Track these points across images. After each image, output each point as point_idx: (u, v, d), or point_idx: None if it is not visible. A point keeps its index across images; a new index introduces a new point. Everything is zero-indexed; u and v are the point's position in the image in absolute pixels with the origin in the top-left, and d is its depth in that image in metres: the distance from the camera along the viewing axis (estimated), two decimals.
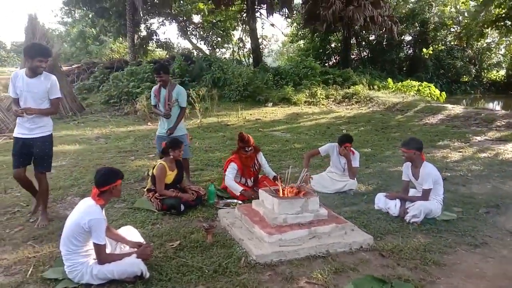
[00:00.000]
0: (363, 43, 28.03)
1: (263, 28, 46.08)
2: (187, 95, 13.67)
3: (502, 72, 31.05)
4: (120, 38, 25.86)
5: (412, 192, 4.74)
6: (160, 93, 5.58)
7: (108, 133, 10.74)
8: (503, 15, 18.89)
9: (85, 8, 22.32)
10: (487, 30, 22.93)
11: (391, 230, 4.12)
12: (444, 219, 4.36)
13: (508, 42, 29.85)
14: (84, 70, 19.92)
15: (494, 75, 30.75)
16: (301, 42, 29.96)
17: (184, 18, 25.85)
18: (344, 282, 3.12)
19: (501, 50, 31.15)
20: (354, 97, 17.09)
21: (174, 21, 25.82)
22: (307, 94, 17.12)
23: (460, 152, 8.04)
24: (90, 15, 23.83)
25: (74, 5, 22.10)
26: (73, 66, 20.72)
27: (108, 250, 3.24)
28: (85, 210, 3.08)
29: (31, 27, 13.46)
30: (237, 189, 5.13)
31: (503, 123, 11.07)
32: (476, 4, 25.59)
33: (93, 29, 25.77)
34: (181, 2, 23.56)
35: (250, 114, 13.92)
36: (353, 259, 3.51)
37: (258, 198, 4.38)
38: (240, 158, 5.33)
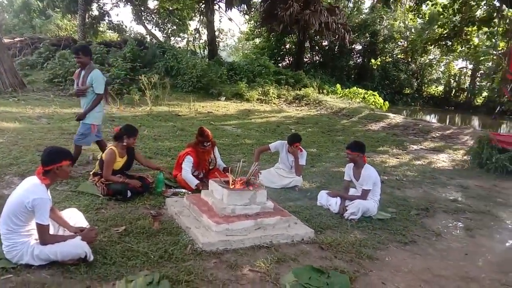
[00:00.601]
0: (317, 47, 28.79)
1: (220, 21, 45.82)
2: (138, 81, 13.37)
3: (441, 88, 33.35)
4: (69, 15, 24.54)
5: (352, 192, 5.05)
6: (79, 76, 5.36)
7: (51, 113, 10.24)
8: (445, 35, 20.31)
9: None
10: (430, 47, 24.48)
11: (331, 225, 4.37)
12: (379, 218, 4.69)
13: (447, 60, 32.10)
14: (28, 45, 18.70)
15: (433, 90, 32.91)
16: (257, 40, 30.18)
17: (140, 2, 25.05)
18: (285, 271, 3.29)
19: (441, 67, 33.43)
20: (304, 99, 17.58)
21: (129, 3, 24.94)
22: (260, 92, 17.35)
23: (398, 158, 8.61)
24: None
25: None
26: (15, 39, 19.36)
27: (51, 232, 3.16)
28: (30, 189, 2.98)
29: None
30: (193, 182, 5.13)
31: (438, 134, 11.98)
32: (422, 22, 27.30)
33: (39, 1, 24.18)
34: None
35: (202, 107, 13.87)
36: (294, 250, 3.70)
37: (208, 189, 4.46)
38: (197, 152, 5.32)
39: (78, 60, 5.25)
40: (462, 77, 32.48)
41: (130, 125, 5.01)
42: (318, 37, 26.12)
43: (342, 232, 4.20)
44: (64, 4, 21.18)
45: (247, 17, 28.85)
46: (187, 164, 5.23)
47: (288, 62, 27.89)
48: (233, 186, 4.19)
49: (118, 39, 23.93)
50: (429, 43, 22.21)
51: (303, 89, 18.80)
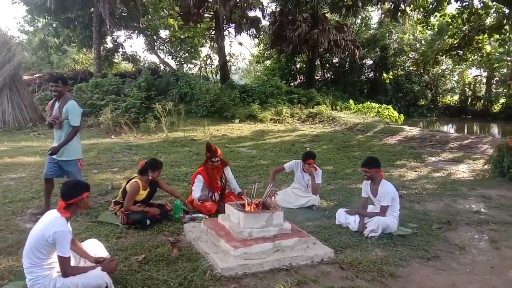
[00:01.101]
0: (327, 65, 28.96)
1: (231, 46, 46.57)
2: (153, 109, 13.61)
3: (456, 97, 32.95)
4: (84, 49, 25.36)
5: (370, 208, 4.98)
6: (53, 107, 5.06)
7: None
8: (456, 44, 20.22)
9: (49, 18, 21.79)
10: (442, 57, 24.36)
11: (351, 244, 4.31)
12: (400, 234, 4.60)
13: (461, 69, 31.83)
14: (46, 80, 19.33)
15: (448, 100, 32.56)
16: (268, 62, 30.57)
17: (152, 32, 25.74)
18: None
19: (454, 77, 33.14)
20: (317, 117, 17.61)
21: (141, 34, 25.65)
22: (273, 112, 17.47)
23: (416, 171, 8.49)
24: (54, 25, 23.24)
25: (38, 14, 21.53)
26: (34, 75, 20.06)
27: (72, 263, 3.21)
28: (50, 222, 3.06)
29: None
30: (195, 196, 5.18)
31: (456, 145, 11.78)
32: (432, 33, 27.26)
33: (55, 38, 25.10)
34: (149, 16, 23.50)
35: (217, 130, 14.03)
36: (314, 271, 3.66)
37: (224, 212, 4.47)
38: (207, 169, 5.39)
39: (56, 89, 4.95)
40: (477, 85, 32.07)
41: (155, 159, 5.09)
42: (328, 54, 26.31)
43: (363, 251, 4.13)
44: (80, 39, 21.90)
45: (256, 40, 29.32)
46: (197, 185, 5.29)
47: (299, 81, 28.07)
48: (249, 208, 4.20)
49: (133, 69, 24.58)
50: (440, 53, 22.12)
51: (316, 106, 18.87)
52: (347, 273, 3.64)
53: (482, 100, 30.81)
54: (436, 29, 24.79)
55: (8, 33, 24.11)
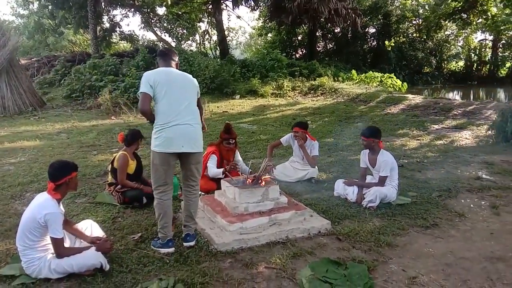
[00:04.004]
0: (329, 35, 28.41)
1: (229, 20, 45.81)
2: None
3: (461, 63, 32.32)
4: (81, 30, 25.03)
5: (369, 179, 4.92)
6: None
7: (70, 128, 10.48)
8: (459, 8, 19.62)
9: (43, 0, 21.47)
10: (445, 22, 23.71)
11: (349, 215, 4.28)
12: (399, 204, 4.57)
13: (466, 34, 31.06)
14: (45, 63, 19.22)
15: (453, 66, 31.96)
16: (269, 35, 30.02)
17: (148, 9, 25.27)
18: (302, 265, 3.23)
19: (459, 42, 32.41)
20: (319, 89, 17.37)
21: (137, 12, 25.19)
22: (274, 86, 17.26)
23: (418, 140, 8.38)
24: (49, 7, 22.87)
25: None
26: (32, 59, 19.93)
27: (67, 244, 3.21)
28: (41, 204, 3.04)
29: None
30: (220, 172, 5.07)
31: (460, 111, 11.59)
32: None
33: (51, 20, 24.74)
34: None
35: (217, 107, 13.91)
36: (311, 243, 3.64)
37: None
38: (221, 151, 5.27)
39: None
40: (483, 49, 31.37)
41: (133, 130, 5.05)
42: (329, 24, 25.73)
43: (360, 221, 4.10)
44: (75, 20, 21.54)
45: (256, 13, 28.74)
46: (212, 161, 5.16)
47: (301, 53, 27.64)
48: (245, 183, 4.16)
49: (131, 48, 24.28)
50: (443, 18, 21.49)
51: (317, 79, 18.58)
52: (344, 244, 3.62)
53: (488, 65, 30.24)
54: None
55: (4, 18, 23.82)
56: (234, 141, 5.30)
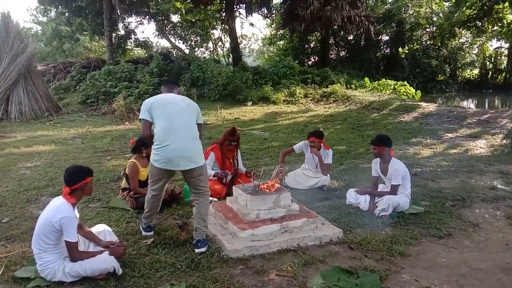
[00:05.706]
0: (341, 43, 28.34)
1: (242, 28, 46.10)
2: None
3: (476, 71, 31.91)
4: (97, 37, 25.48)
5: (381, 187, 4.89)
6: None
7: (84, 133, 10.64)
8: (474, 15, 19.44)
9: (60, 7, 21.90)
10: (459, 30, 23.49)
11: (361, 224, 4.25)
12: (412, 213, 4.52)
13: (481, 42, 30.72)
14: (61, 69, 19.59)
15: (468, 74, 31.56)
16: (281, 42, 30.09)
17: (163, 17, 25.61)
18: (313, 273, 3.22)
19: (474, 50, 32.05)
20: (332, 96, 17.32)
21: (152, 20, 25.55)
22: (286, 93, 17.27)
23: (432, 148, 8.29)
24: (66, 14, 23.37)
25: (50, 4, 21.66)
26: (49, 65, 20.33)
27: (81, 248, 3.26)
28: (56, 208, 3.10)
29: (4, 26, 13.19)
30: (211, 174, 5.20)
31: (474, 120, 11.45)
32: (450, 4, 26.30)
33: (67, 27, 25.25)
34: (159, 0, 23.33)
35: (229, 113, 13.98)
36: (322, 251, 3.62)
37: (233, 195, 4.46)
38: (222, 149, 5.44)
39: None
40: (499, 57, 30.91)
41: (138, 140, 5.10)
42: (342, 32, 25.68)
43: (373, 230, 4.07)
44: (91, 27, 21.95)
45: (268, 20, 28.85)
46: (209, 160, 5.30)
47: (313, 60, 27.60)
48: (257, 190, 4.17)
49: (145, 55, 24.60)
50: (458, 25, 21.29)
51: (330, 86, 18.51)
52: (356, 253, 3.60)
53: (504, 73, 29.77)
54: (454, 1, 23.86)
55: (23, 25, 24.38)
56: (236, 143, 5.46)
